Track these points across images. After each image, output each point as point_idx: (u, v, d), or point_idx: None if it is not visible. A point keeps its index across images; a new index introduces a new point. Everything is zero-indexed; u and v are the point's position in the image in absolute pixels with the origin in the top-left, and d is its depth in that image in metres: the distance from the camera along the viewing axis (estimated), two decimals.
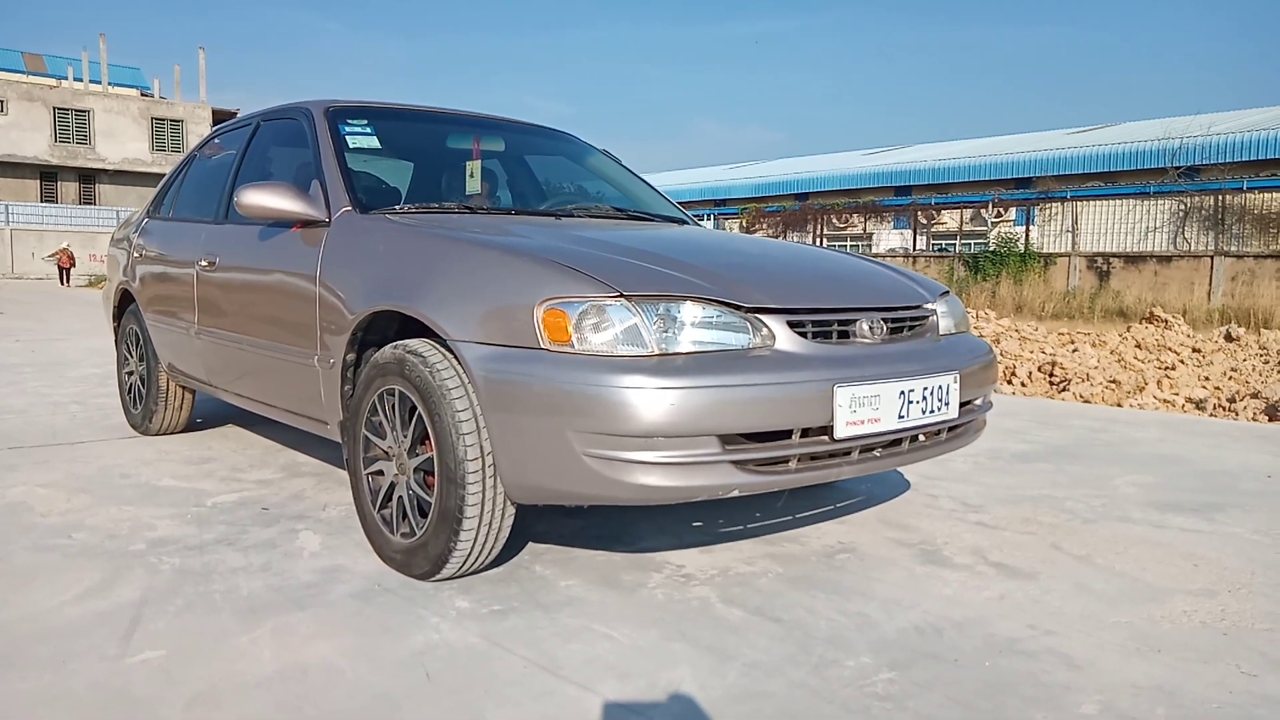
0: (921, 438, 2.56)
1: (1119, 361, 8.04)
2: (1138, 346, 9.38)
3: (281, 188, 2.88)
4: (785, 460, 2.22)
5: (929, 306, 2.72)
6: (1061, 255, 19.93)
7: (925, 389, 2.43)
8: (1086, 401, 6.42)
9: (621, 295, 2.12)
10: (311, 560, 2.62)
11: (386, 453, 2.53)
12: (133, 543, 2.77)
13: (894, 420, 2.35)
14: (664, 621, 2.21)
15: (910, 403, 2.39)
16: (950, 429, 2.66)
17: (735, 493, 2.16)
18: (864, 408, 2.27)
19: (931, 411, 2.46)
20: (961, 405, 2.66)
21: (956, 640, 2.12)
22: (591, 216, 3.27)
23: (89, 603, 2.29)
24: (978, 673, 1.95)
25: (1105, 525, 3.06)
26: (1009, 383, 7.33)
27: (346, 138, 3.13)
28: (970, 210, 25.08)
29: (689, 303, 2.18)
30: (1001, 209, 23.84)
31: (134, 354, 4.33)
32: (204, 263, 3.49)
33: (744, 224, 28.53)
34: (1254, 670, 1.97)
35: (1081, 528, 3.03)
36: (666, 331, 2.13)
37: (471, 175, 3.59)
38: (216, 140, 4.03)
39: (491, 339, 2.22)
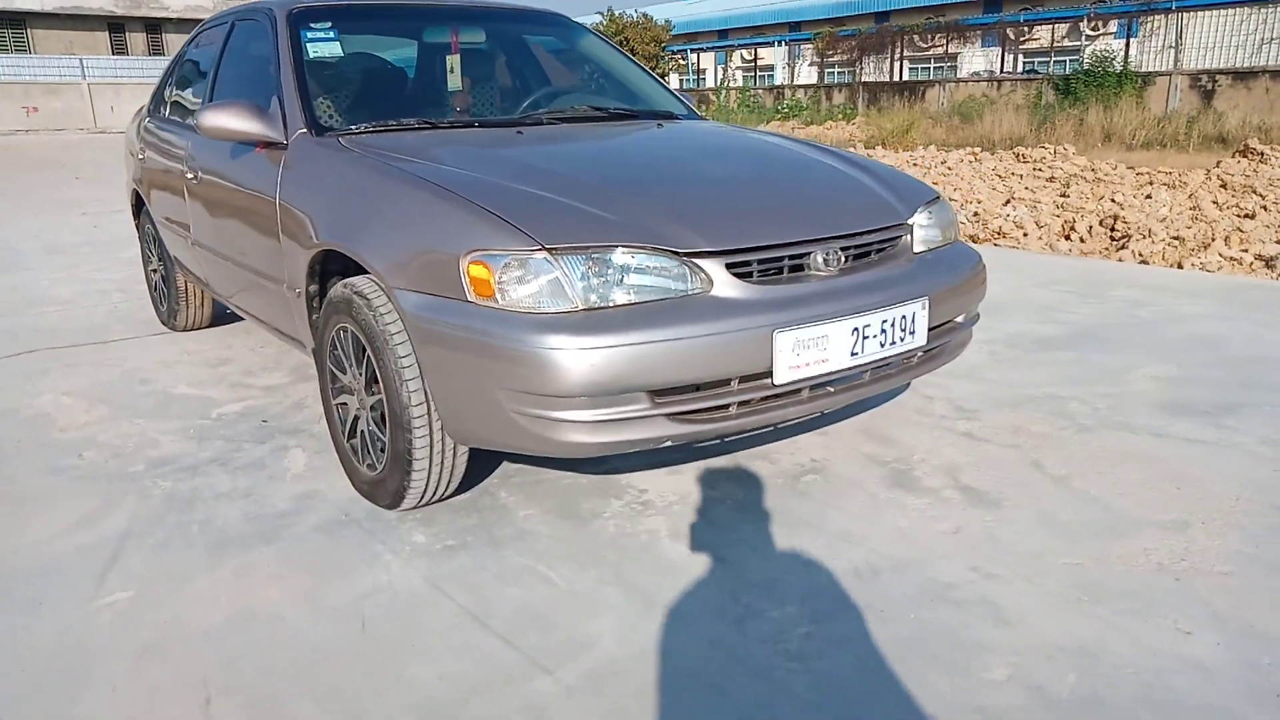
0: (888, 366, 2.46)
1: (1193, 209, 7.52)
2: (1223, 186, 8.76)
3: (240, 108, 2.81)
4: (725, 407, 2.18)
5: (902, 224, 2.55)
6: (1161, 74, 18.39)
7: (885, 322, 2.32)
8: (1144, 262, 6.07)
9: (543, 248, 2.04)
10: (293, 484, 2.73)
11: (349, 387, 2.57)
12: (134, 463, 2.92)
13: (845, 359, 2.26)
14: (605, 561, 2.25)
15: (865, 339, 2.29)
16: (925, 352, 2.55)
17: (669, 443, 2.14)
18: (809, 350, 2.19)
19: (892, 344, 2.36)
20: (936, 328, 2.54)
21: (891, 586, 2.11)
22: (565, 120, 3.12)
23: (78, 535, 2.45)
24: (898, 628, 1.95)
25: (1100, 435, 2.95)
26: (1067, 238, 6.97)
27: (307, 45, 3.01)
28: (1066, 24, 23.15)
29: (618, 251, 2.09)
30: (1100, 22, 21.93)
31: (154, 252, 4.42)
32: (190, 175, 3.49)
33: (818, 49, 27.03)
34: (1190, 627, 1.92)
35: (1073, 439, 2.92)
36: (592, 283, 2.06)
37: (452, 70, 3.44)
38: (201, 37, 3.94)
39: (424, 287, 2.19)
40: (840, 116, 22.38)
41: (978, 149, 13.07)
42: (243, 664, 1.89)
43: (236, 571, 2.26)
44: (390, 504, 2.46)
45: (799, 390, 2.28)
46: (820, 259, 2.31)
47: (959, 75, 24.33)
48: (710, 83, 33.24)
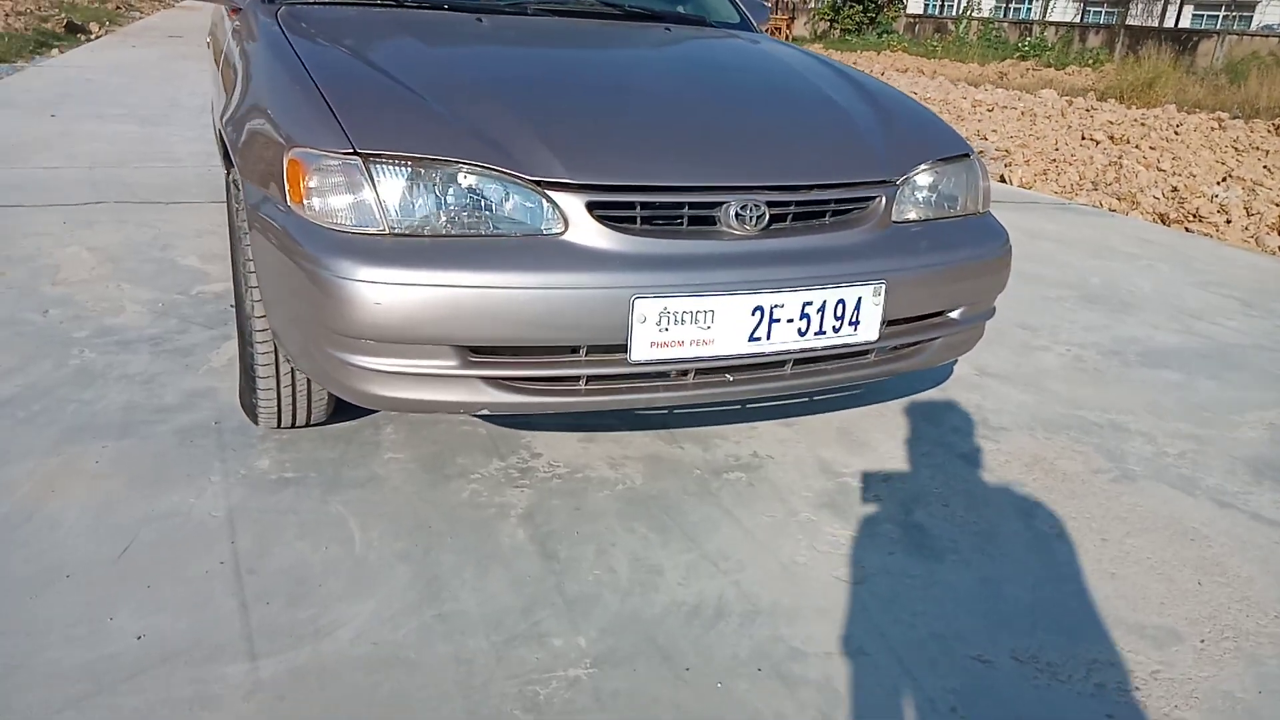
0: (825, 361, 1.95)
1: None
2: None
3: None
4: (569, 380, 1.77)
5: (882, 182, 1.98)
6: None
7: (808, 304, 1.81)
8: None
9: (356, 153, 1.69)
10: (200, 379, 2.57)
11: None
12: (82, 328, 2.86)
13: (740, 343, 1.79)
14: (426, 531, 1.93)
15: (775, 321, 1.79)
16: (882, 351, 2.01)
17: (485, 411, 1.77)
18: (684, 325, 1.73)
19: (819, 333, 1.85)
20: (903, 321, 1.99)
21: (725, 636, 1.67)
22: (556, 13, 2.68)
23: None
24: (691, 697, 1.52)
25: (1141, 489, 2.29)
26: None
27: None
28: None
29: (454, 169, 1.70)
30: None
31: None
32: (208, 39, 3.34)
33: None
34: None
35: (1101, 489, 2.29)
36: (411, 203, 1.69)
37: None
38: None
39: (263, 183, 1.89)
40: (1088, 61, 19.98)
41: (1226, 114, 11.19)
42: None
43: (66, 462, 2.11)
44: (254, 420, 2.25)
45: (686, 372, 1.83)
46: (733, 212, 1.81)
47: (1253, 27, 21.14)
48: (956, 9, 30.66)
